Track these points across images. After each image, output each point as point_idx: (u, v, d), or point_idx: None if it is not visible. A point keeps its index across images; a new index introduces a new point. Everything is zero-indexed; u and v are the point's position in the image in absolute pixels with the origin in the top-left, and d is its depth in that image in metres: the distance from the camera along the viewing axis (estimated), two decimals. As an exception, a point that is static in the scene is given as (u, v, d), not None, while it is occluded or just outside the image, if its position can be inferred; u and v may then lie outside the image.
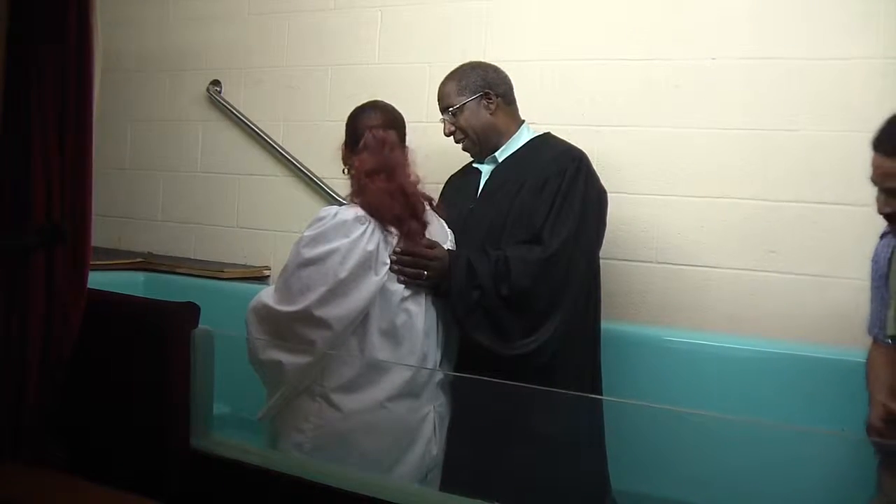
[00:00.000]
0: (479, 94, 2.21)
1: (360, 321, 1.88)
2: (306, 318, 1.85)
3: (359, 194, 1.95)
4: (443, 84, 2.27)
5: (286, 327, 1.89)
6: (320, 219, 1.91)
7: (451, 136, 2.24)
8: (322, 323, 1.84)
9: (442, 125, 2.25)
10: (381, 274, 1.89)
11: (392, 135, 2.01)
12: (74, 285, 1.76)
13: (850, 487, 2.01)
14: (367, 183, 1.94)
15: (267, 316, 1.92)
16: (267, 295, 1.94)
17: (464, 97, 2.21)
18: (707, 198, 2.50)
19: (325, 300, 1.84)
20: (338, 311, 1.84)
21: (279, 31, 3.25)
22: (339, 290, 1.84)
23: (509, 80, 2.29)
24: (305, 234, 1.91)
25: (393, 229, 1.92)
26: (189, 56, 3.44)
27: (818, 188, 2.37)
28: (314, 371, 1.88)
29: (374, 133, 1.99)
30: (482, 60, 2.34)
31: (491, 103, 2.22)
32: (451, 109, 2.21)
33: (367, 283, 1.87)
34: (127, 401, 1.79)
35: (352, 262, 1.84)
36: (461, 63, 2.31)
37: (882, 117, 1.71)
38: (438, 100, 2.26)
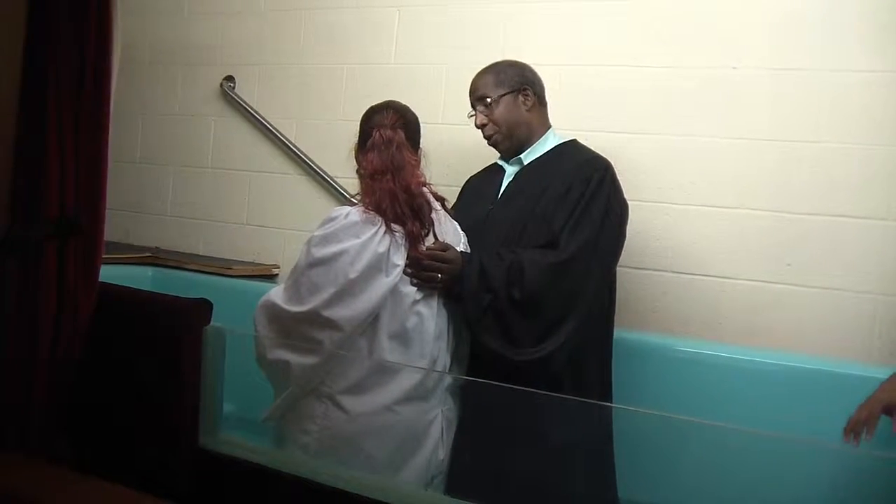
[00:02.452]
0: (517, 90, 2.19)
1: (370, 323, 1.87)
2: (314, 318, 1.84)
3: (366, 194, 1.95)
4: (478, 76, 2.24)
5: (294, 327, 1.88)
6: (331, 219, 1.90)
7: (483, 129, 2.21)
8: (330, 324, 1.83)
9: (472, 119, 2.23)
10: (393, 275, 1.87)
11: (400, 134, 1.99)
12: (86, 279, 1.75)
13: (863, 501, 1.99)
14: (373, 182, 1.94)
15: (275, 315, 1.91)
16: (276, 294, 1.93)
17: (501, 90, 2.18)
18: (724, 208, 2.48)
19: (333, 301, 1.82)
20: (347, 313, 1.83)
21: (295, 28, 3.23)
22: (348, 290, 1.82)
23: (543, 83, 2.27)
24: (316, 233, 1.90)
25: (399, 230, 1.90)
26: (203, 50, 3.43)
27: (838, 201, 2.35)
28: (321, 372, 1.87)
29: (381, 132, 1.98)
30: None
31: (528, 100, 2.19)
32: (487, 100, 2.18)
33: (378, 284, 1.85)
34: (137, 397, 1.77)
35: (362, 263, 1.83)
36: (478, 66, 2.28)
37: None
38: (472, 92, 2.23)
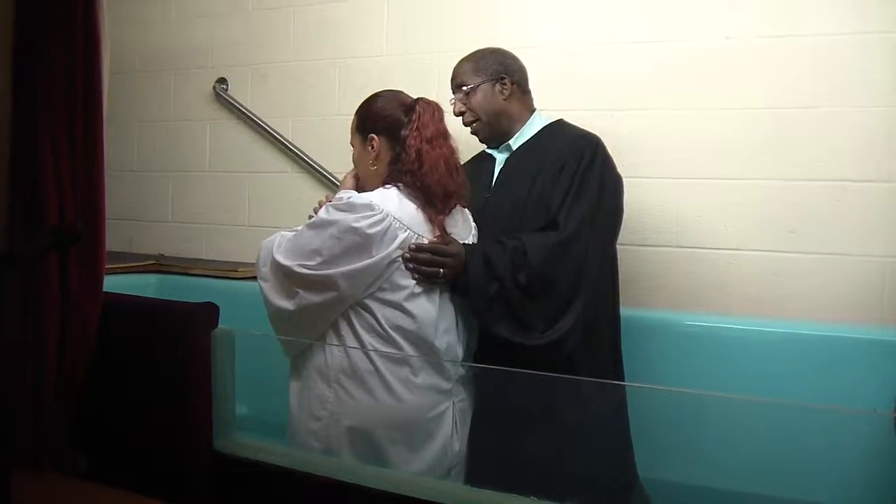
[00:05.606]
0: (495, 79, 2.19)
1: (370, 316, 1.85)
2: (291, 274, 1.85)
3: (416, 164, 1.89)
4: (459, 63, 2.25)
5: (278, 272, 1.90)
6: (339, 197, 1.89)
7: (462, 117, 2.21)
8: (303, 283, 1.84)
9: (452, 106, 2.21)
10: (378, 255, 1.83)
11: (440, 107, 1.98)
12: (90, 289, 1.75)
13: (882, 467, 1.99)
14: (431, 149, 1.90)
15: (268, 256, 1.92)
16: (282, 238, 1.94)
17: (479, 78, 2.19)
18: (726, 179, 2.47)
19: (313, 266, 1.82)
20: (319, 278, 1.82)
21: (284, 25, 3.22)
22: (326, 262, 1.82)
23: (525, 70, 2.26)
24: (332, 201, 1.91)
25: (401, 220, 1.86)
26: (193, 54, 3.42)
27: (839, 166, 2.34)
28: (292, 323, 1.89)
29: (425, 103, 1.96)
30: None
31: (505, 89, 2.19)
32: (464, 89, 2.19)
33: (359, 258, 1.82)
34: (148, 404, 1.77)
35: (348, 238, 1.81)
36: (471, 51, 2.27)
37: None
38: (452, 78, 2.24)
